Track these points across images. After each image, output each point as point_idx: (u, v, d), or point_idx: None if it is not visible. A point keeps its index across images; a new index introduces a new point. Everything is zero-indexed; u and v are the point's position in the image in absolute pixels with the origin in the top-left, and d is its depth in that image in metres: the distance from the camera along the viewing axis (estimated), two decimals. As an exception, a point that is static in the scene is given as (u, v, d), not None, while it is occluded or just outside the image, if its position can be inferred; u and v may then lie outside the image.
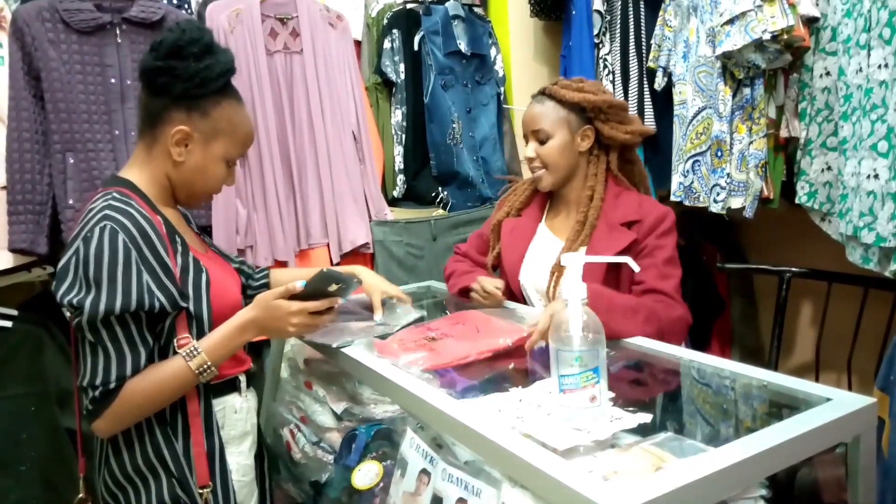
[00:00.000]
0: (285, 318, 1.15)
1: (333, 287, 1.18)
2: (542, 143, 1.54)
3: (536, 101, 1.58)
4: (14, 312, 1.83)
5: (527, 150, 1.58)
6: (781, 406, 1.02)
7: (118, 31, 1.85)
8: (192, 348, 1.11)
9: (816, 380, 2.00)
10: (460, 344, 1.34)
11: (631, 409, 0.97)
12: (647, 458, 0.87)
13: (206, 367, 1.11)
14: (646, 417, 0.95)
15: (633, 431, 0.93)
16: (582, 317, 0.92)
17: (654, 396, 1.20)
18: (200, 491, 1.12)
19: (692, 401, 1.17)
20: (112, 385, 1.05)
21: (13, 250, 1.79)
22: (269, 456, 1.68)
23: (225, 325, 1.15)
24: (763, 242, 2.30)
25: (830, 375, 2.07)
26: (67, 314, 1.06)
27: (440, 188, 2.44)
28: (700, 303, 2.37)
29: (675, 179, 1.98)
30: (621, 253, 1.40)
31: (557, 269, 1.49)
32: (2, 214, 1.78)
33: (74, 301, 1.03)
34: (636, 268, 0.99)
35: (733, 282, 2.44)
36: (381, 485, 1.29)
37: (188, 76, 1.12)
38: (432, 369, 1.22)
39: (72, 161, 1.80)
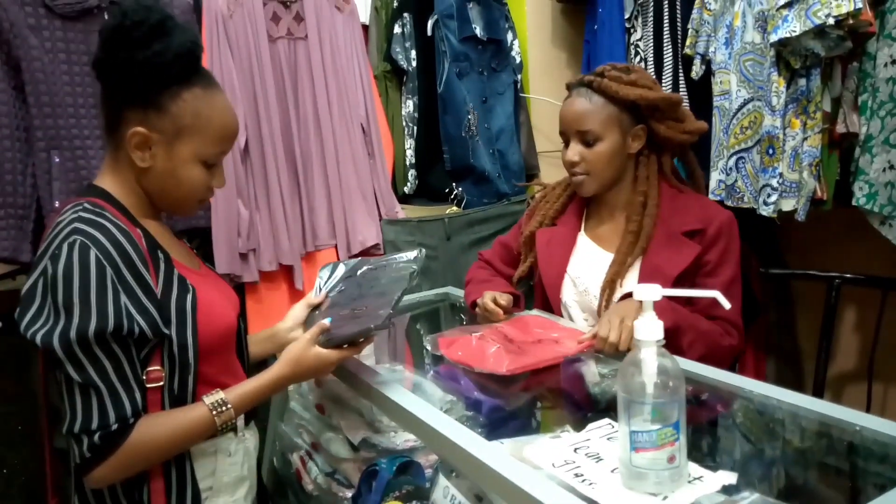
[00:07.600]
0: (326, 369, 1.08)
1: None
2: (588, 145, 1.36)
3: (580, 96, 1.37)
4: (-2, 324, 1.69)
5: (568, 152, 1.40)
6: (885, 457, 0.87)
7: (106, 16, 1.68)
8: (221, 401, 0.99)
9: (868, 395, 1.86)
10: (534, 346, 1.27)
11: (710, 464, 0.83)
12: (738, 531, 0.73)
13: (230, 423, 1.01)
14: (731, 477, 0.80)
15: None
16: (658, 361, 0.77)
17: (725, 443, 1.05)
18: None
19: (771, 448, 1.02)
20: (113, 427, 0.91)
21: (-6, 259, 1.64)
22: (277, 484, 1.54)
23: (255, 381, 1.04)
24: (804, 245, 2.14)
25: (879, 389, 1.93)
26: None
27: (454, 184, 2.30)
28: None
29: (715, 177, 1.82)
30: (686, 270, 1.28)
31: (609, 286, 1.34)
32: (-19, 220, 1.63)
33: (39, 337, 0.90)
34: (727, 305, 0.84)
35: (770, 286, 2.28)
36: (407, 531, 1.16)
37: (135, 67, 0.96)
38: (519, 371, 1.20)
39: (57, 160, 1.65)
